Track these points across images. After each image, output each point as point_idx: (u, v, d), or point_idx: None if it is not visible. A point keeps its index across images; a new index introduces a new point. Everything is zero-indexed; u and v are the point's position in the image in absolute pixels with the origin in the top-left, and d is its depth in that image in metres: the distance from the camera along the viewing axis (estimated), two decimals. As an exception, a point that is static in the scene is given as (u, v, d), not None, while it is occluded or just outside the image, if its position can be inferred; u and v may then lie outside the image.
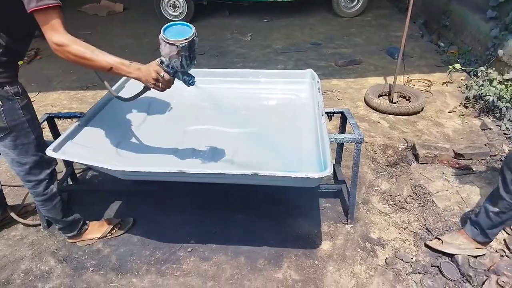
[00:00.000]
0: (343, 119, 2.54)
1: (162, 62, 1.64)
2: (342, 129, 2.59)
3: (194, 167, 1.92)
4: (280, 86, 2.74)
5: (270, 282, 2.06)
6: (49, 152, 1.82)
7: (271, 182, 1.77)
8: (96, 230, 2.34)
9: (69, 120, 2.56)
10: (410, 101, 3.91)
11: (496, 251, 2.26)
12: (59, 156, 1.83)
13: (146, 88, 1.75)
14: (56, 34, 1.51)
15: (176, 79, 1.72)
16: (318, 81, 2.54)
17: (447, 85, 4.39)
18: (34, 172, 1.92)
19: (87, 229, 2.31)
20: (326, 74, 4.68)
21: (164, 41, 1.59)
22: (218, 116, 2.48)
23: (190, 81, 1.72)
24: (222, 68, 2.98)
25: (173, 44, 1.57)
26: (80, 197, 2.65)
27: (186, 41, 1.58)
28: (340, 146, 2.76)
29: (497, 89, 3.69)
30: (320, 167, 1.80)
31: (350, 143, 2.20)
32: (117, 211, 2.58)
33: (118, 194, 2.69)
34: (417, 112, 3.79)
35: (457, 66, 4.32)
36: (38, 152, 1.89)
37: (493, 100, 3.57)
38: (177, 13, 6.62)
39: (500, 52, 4.29)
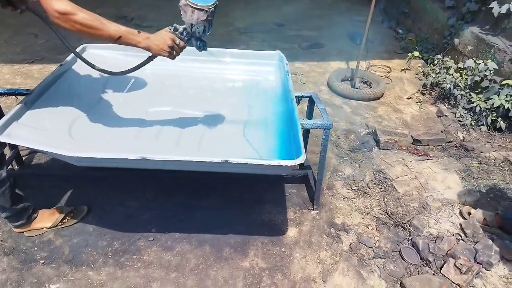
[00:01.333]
0: (311, 104, 2.49)
1: (176, 30, 1.65)
2: (309, 114, 2.55)
3: (157, 153, 1.78)
4: (247, 67, 2.63)
5: (237, 271, 2.01)
6: (-10, 135, 1.61)
7: (242, 170, 1.69)
8: (46, 219, 2.15)
9: (13, 97, 2.30)
10: (371, 87, 3.95)
11: (453, 235, 2.35)
12: (3, 139, 1.63)
13: (151, 58, 1.73)
14: (59, 1, 1.42)
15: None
16: (286, 64, 2.46)
17: (405, 72, 4.49)
18: None
19: (36, 217, 2.12)
20: (290, 56, 4.53)
21: (193, 7, 1.57)
22: (182, 97, 2.34)
23: (204, 46, 1.77)
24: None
25: (202, 10, 1.57)
26: (26, 182, 2.41)
27: (213, 6, 1.60)
28: (307, 131, 2.72)
29: (454, 77, 3.81)
30: (291, 153, 1.74)
31: (319, 129, 2.16)
32: (69, 198, 2.38)
33: (69, 179, 2.49)
34: (378, 98, 3.84)
35: (416, 53, 4.41)
36: None
37: (449, 88, 3.69)
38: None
39: (456, 41, 4.43)
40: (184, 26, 1.66)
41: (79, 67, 2.33)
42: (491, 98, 3.44)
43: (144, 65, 1.78)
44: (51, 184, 2.44)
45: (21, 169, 2.53)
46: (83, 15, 1.48)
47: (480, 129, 3.48)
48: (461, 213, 2.47)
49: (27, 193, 2.12)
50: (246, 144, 1.94)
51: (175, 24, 1.66)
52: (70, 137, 1.84)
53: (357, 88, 3.87)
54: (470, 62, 3.72)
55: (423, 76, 4.37)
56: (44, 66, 3.96)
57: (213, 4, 1.60)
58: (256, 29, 5.39)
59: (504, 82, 3.45)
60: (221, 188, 2.53)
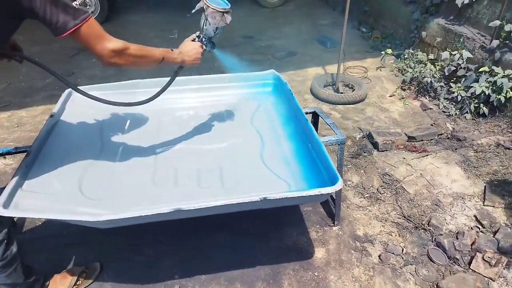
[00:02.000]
0: (315, 119, 2.45)
1: (198, 37, 1.82)
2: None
3: (182, 198, 1.67)
4: (242, 91, 2.57)
5: (277, 306, 1.92)
6: (-1, 210, 1.44)
7: (279, 204, 1.61)
8: (58, 284, 1.96)
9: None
10: (354, 89, 3.98)
11: (471, 228, 2.39)
12: (11, 213, 1.45)
13: (179, 71, 1.86)
14: (110, 42, 1.41)
15: None
16: (286, 83, 2.42)
17: (380, 70, 4.58)
18: None
19: (48, 286, 1.93)
20: (266, 68, 4.56)
21: (221, 11, 1.73)
22: (186, 132, 2.22)
23: (213, 46, 1.91)
24: (156, 75, 2.65)
25: (228, 12, 1.75)
26: (27, 246, 2.21)
27: (230, 7, 1.77)
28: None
29: (431, 70, 3.92)
30: (323, 178, 1.69)
31: (334, 145, 2.12)
32: (78, 257, 2.19)
33: (73, 236, 2.29)
34: (363, 100, 3.88)
35: (389, 51, 4.52)
36: None
37: (431, 81, 3.79)
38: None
39: (423, 34, 4.58)
40: (203, 32, 1.82)
41: (70, 115, 2.17)
42: (472, 86, 3.56)
43: (172, 81, 1.85)
44: (55, 244, 2.23)
45: (20, 234, 2.29)
46: (134, 47, 1.49)
47: (465, 117, 3.59)
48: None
49: (31, 259, 1.93)
50: (269, 174, 1.86)
51: (198, 33, 1.82)
52: (84, 196, 1.69)
53: (341, 93, 3.88)
54: (445, 54, 3.84)
55: (399, 72, 4.48)
56: (13, 113, 3.68)
57: (229, 6, 1.78)
58: (225, 44, 5.31)
59: (481, 69, 3.58)
60: (233, 219, 2.42)
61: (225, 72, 2.64)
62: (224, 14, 1.75)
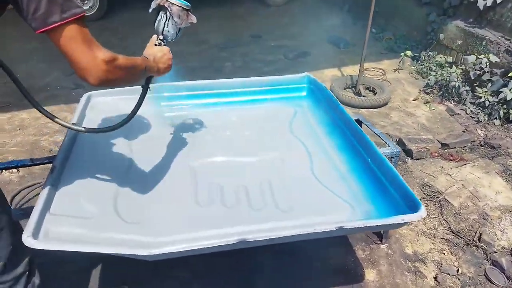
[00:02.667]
0: (358, 127, 2.25)
1: (162, 41, 1.50)
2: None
3: (237, 222, 1.44)
4: (275, 95, 2.35)
5: None
6: (27, 241, 1.18)
7: (352, 232, 1.39)
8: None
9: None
10: (375, 93, 3.80)
11: (526, 245, 2.22)
12: (43, 246, 1.19)
13: (147, 85, 1.47)
14: (100, 50, 1.06)
15: None
16: (325, 87, 2.21)
17: (398, 72, 4.41)
18: (9, 268, 1.25)
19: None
20: (280, 69, 4.36)
21: (185, 9, 1.48)
22: (221, 142, 1.99)
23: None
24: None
25: (190, 10, 1.50)
26: (47, 271, 1.94)
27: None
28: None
29: (457, 73, 3.76)
30: (395, 200, 1.48)
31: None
32: (103, 280, 1.94)
33: (96, 258, 2.03)
34: (386, 104, 3.70)
35: (408, 53, 4.35)
36: (12, 238, 1.23)
37: (458, 86, 3.63)
38: (87, 7, 5.63)
39: (441, 36, 4.43)
40: (163, 35, 1.50)
41: (91, 123, 1.92)
42: (502, 91, 3.41)
43: (143, 99, 1.45)
44: (79, 268, 1.96)
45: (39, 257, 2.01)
46: (121, 57, 1.14)
47: (494, 123, 3.44)
48: None
49: (54, 286, 1.67)
50: (325, 191, 1.64)
51: (159, 36, 1.50)
52: (122, 220, 1.44)
53: (364, 96, 3.69)
54: (471, 58, 3.69)
55: (418, 74, 4.32)
56: (13, 115, 3.38)
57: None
58: (233, 44, 5.09)
59: (510, 74, 3.43)
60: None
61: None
62: (189, 12, 1.51)
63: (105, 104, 2.08)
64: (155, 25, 1.49)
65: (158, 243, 1.32)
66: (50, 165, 1.76)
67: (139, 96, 1.42)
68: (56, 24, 0.97)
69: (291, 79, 2.37)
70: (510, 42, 3.79)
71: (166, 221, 1.46)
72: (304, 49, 4.83)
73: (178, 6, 1.44)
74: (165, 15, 1.46)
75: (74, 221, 1.37)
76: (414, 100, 3.83)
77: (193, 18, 1.51)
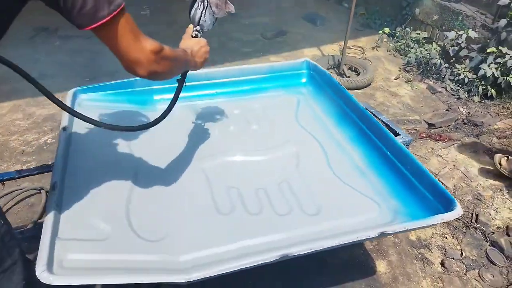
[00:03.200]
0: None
1: (199, 32, 1.39)
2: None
3: (266, 234, 1.35)
4: (274, 84, 2.23)
5: (358, 337, 1.70)
6: (43, 276, 1.03)
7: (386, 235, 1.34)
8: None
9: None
10: (358, 73, 3.76)
11: (519, 223, 2.31)
12: (61, 281, 1.04)
13: (184, 79, 1.38)
14: (146, 40, 0.98)
15: None
16: (327, 72, 2.12)
17: (377, 50, 4.39)
18: None
19: None
20: (260, 49, 4.21)
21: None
22: (227, 138, 1.86)
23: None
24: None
25: None
26: None
27: None
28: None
29: (436, 50, 3.79)
30: (422, 196, 1.45)
31: (400, 147, 1.88)
32: None
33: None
34: (370, 84, 3.68)
35: (386, 30, 4.33)
36: (25, 272, 1.07)
37: (440, 63, 3.66)
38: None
39: (417, 11, 4.44)
40: (200, 25, 1.39)
41: (83, 124, 1.72)
42: (481, 68, 3.48)
43: (179, 94, 1.37)
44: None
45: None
46: (166, 47, 1.05)
47: (473, 99, 3.52)
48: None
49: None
50: (348, 189, 1.58)
51: (196, 27, 1.39)
52: (141, 238, 1.30)
53: (348, 77, 3.65)
54: (452, 34, 3.71)
55: (396, 52, 4.32)
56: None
57: None
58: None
59: (489, 50, 3.49)
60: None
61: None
62: (227, 0, 1.42)
63: (92, 100, 1.88)
64: (191, 14, 1.38)
65: (187, 262, 1.22)
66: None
67: (175, 91, 1.32)
68: (105, 19, 0.87)
69: (290, 65, 2.26)
70: (486, 17, 3.85)
71: (189, 235, 1.34)
72: (281, 28, 4.68)
73: None
74: (202, 3, 1.35)
75: (88, 245, 1.22)
76: (396, 79, 3.83)
77: (232, 7, 1.41)
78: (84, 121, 1.06)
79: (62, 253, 1.15)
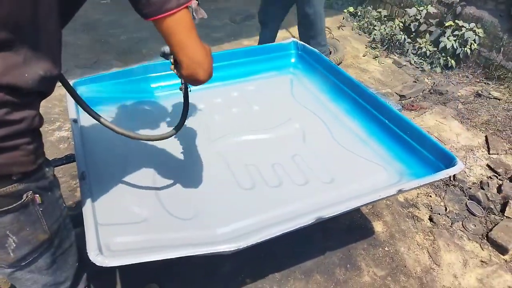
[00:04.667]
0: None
1: None
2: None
3: (290, 203, 1.45)
4: (265, 65, 2.30)
5: (368, 290, 1.86)
6: (98, 260, 1.07)
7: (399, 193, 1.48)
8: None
9: None
10: (330, 52, 3.90)
11: (490, 177, 2.57)
12: (116, 262, 1.08)
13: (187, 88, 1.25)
14: (203, 43, 0.94)
15: None
16: (316, 51, 2.22)
17: (342, 29, 4.56)
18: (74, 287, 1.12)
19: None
20: (231, 34, 4.24)
21: (198, 3, 1.29)
22: (233, 120, 1.92)
23: None
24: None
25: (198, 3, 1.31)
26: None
27: None
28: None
29: (399, 27, 4.02)
30: (424, 157, 1.61)
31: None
32: (130, 280, 1.83)
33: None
34: (341, 62, 3.84)
35: (351, 9, 4.50)
36: (78, 255, 1.10)
37: (404, 39, 3.89)
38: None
39: (376, -10, 4.64)
40: None
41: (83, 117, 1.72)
42: (441, 41, 3.74)
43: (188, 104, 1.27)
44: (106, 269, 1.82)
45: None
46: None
47: (435, 71, 3.79)
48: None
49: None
50: (356, 157, 1.71)
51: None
52: (175, 217, 1.35)
53: (321, 56, 3.78)
54: (413, 11, 3.94)
55: (360, 30, 4.51)
56: None
57: None
58: (170, 9, 4.76)
59: (447, 24, 3.76)
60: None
61: None
62: (199, 7, 1.36)
63: (92, 92, 1.87)
64: None
65: (225, 234, 1.29)
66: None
67: (184, 98, 1.25)
68: (173, 11, 0.85)
69: (277, 46, 2.34)
70: (441, -7, 4.12)
71: (219, 211, 1.41)
72: (249, 11, 4.71)
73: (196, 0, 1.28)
74: None
75: (129, 228, 1.26)
76: (364, 56, 4.02)
77: (204, 13, 1.35)
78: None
79: (107, 237, 1.19)
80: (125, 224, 1.26)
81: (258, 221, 1.36)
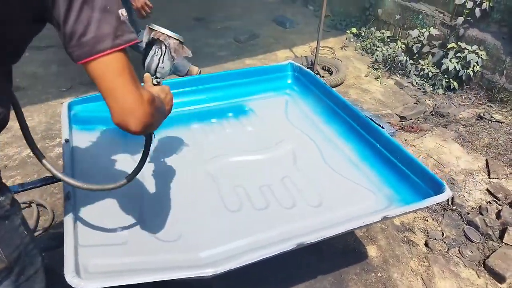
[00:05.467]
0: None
1: (161, 76, 1.29)
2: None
3: (276, 227, 1.44)
4: (261, 86, 2.33)
5: (359, 318, 1.82)
6: (74, 282, 1.07)
7: (387, 220, 1.47)
8: None
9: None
10: (331, 72, 3.93)
11: (489, 202, 2.53)
12: (93, 285, 1.08)
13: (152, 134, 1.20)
14: (141, 88, 0.86)
15: None
16: (311, 73, 2.25)
17: (345, 50, 4.59)
18: None
19: None
20: (234, 53, 4.30)
21: (181, 41, 1.29)
22: (225, 140, 1.94)
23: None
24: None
25: (183, 42, 1.30)
26: None
27: None
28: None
29: (401, 48, 4.03)
30: (413, 183, 1.59)
31: (384, 139, 2.03)
32: None
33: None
34: (343, 82, 3.86)
35: (354, 30, 4.54)
36: (46, 281, 1.10)
37: (406, 60, 3.90)
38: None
39: (379, 11, 4.68)
40: (159, 72, 1.28)
41: (80, 135, 1.75)
42: (443, 63, 3.74)
43: (149, 148, 1.20)
44: None
45: None
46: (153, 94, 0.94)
47: (438, 92, 3.78)
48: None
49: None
50: (345, 181, 1.70)
51: (155, 75, 1.27)
52: (158, 240, 1.35)
53: (322, 77, 3.81)
54: (415, 32, 3.96)
55: (363, 50, 4.54)
56: None
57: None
58: (177, 27, 4.84)
59: (449, 46, 3.76)
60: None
61: None
62: (183, 45, 1.33)
63: (88, 112, 1.90)
64: (146, 62, 1.26)
65: (208, 257, 1.29)
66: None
67: (144, 147, 1.18)
68: (105, 53, 0.77)
69: (274, 68, 2.37)
70: (444, 15, 4.14)
71: (203, 233, 1.41)
72: (253, 31, 4.79)
73: (175, 39, 1.26)
74: (160, 50, 1.25)
75: (109, 249, 1.26)
76: (366, 76, 4.04)
77: (188, 52, 1.32)
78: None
79: (86, 259, 1.19)
80: (106, 246, 1.26)
81: (242, 245, 1.35)
